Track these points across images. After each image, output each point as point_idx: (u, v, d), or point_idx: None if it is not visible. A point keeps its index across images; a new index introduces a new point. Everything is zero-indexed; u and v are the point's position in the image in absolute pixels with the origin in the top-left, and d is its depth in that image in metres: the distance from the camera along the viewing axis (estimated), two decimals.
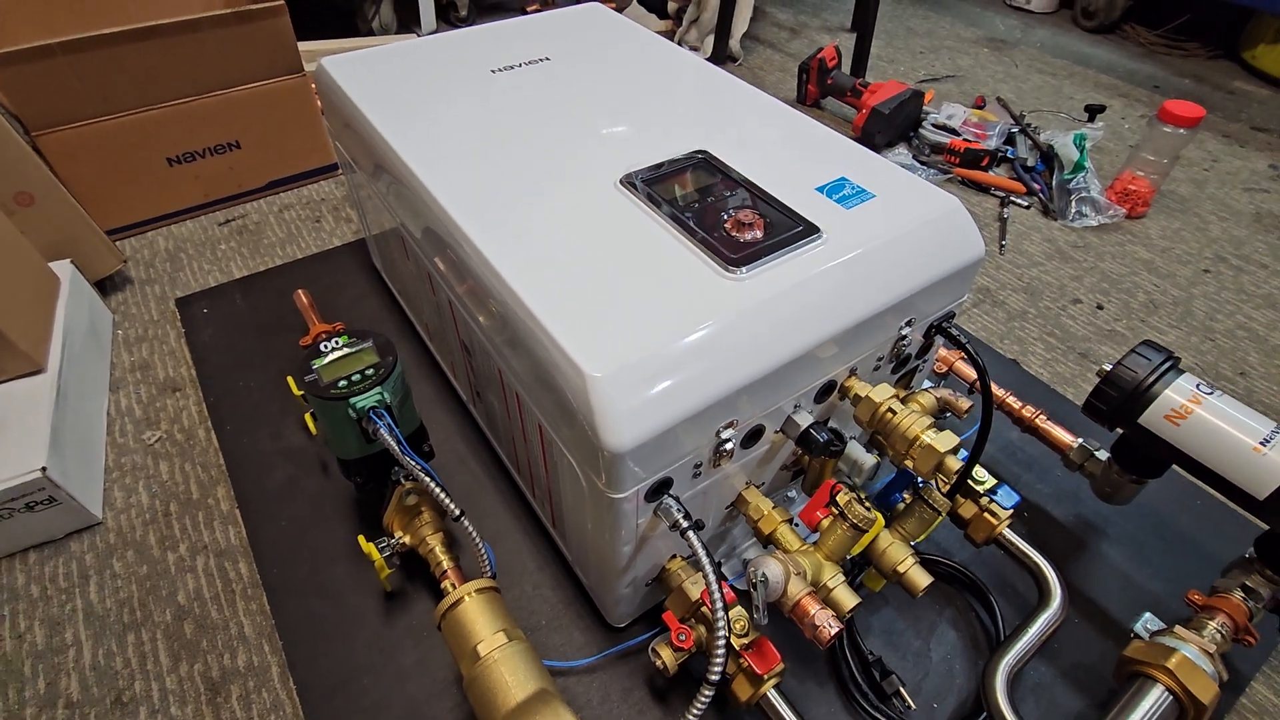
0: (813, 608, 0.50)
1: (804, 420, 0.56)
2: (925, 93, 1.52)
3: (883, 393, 0.57)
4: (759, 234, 0.56)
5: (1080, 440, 0.71)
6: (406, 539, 0.63)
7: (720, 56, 1.71)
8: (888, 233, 0.57)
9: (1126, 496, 0.69)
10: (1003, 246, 1.16)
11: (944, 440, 0.54)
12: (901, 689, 0.61)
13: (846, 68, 1.60)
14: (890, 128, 1.36)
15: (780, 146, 0.68)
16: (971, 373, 0.80)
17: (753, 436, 0.55)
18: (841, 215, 0.59)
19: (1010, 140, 1.38)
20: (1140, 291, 1.08)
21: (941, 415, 0.67)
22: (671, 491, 0.52)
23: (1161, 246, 1.17)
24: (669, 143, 0.67)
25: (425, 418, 0.73)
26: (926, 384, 0.78)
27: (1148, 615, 0.66)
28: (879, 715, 0.60)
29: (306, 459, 0.78)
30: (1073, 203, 1.22)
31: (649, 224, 0.57)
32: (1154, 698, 0.54)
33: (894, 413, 0.56)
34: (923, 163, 1.34)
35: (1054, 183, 1.27)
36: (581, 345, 0.47)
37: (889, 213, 0.59)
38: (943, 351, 0.80)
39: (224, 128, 1.10)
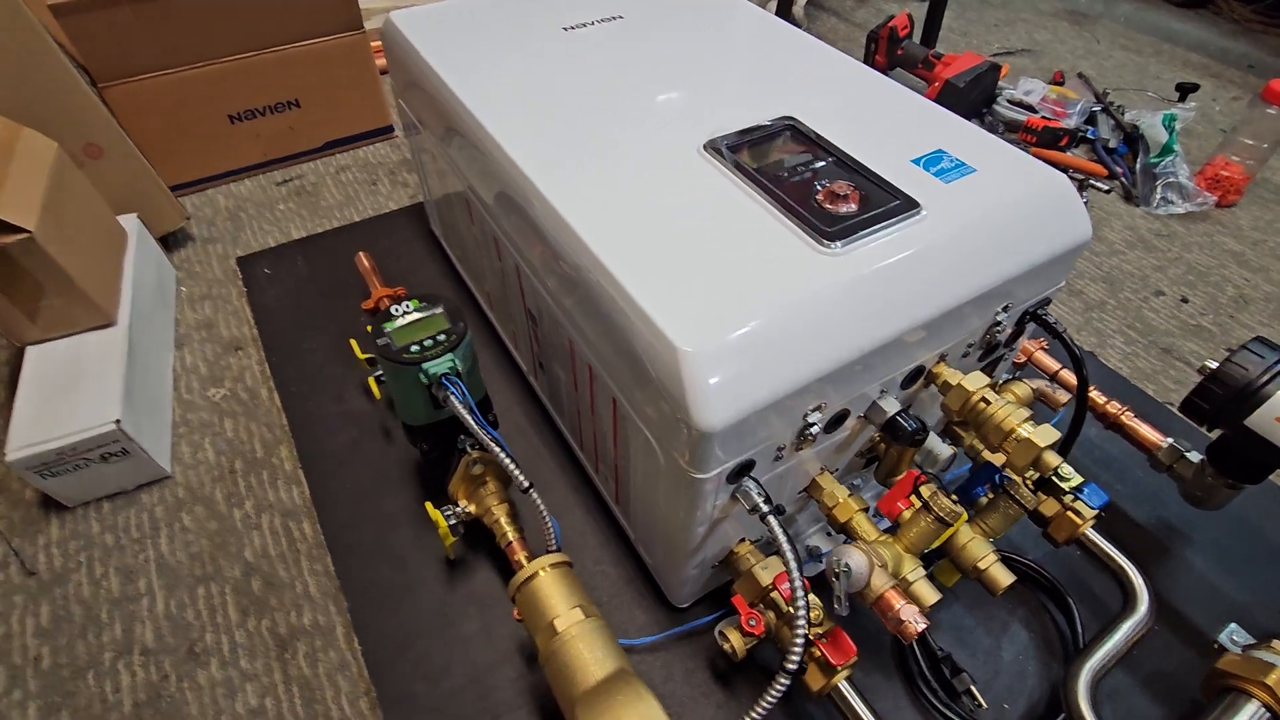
0: (898, 602, 0.48)
1: (891, 407, 0.54)
2: (1001, 66, 1.44)
3: (976, 381, 0.54)
4: (854, 206, 0.53)
5: (1170, 440, 0.67)
6: (471, 508, 0.63)
7: None
8: (990, 210, 0.54)
9: (1219, 502, 0.65)
10: None
11: (1044, 434, 0.51)
12: (972, 687, 0.59)
13: (917, 38, 1.53)
14: (964, 103, 1.30)
15: (872, 114, 0.65)
16: (1052, 364, 0.76)
17: (837, 421, 0.53)
18: (940, 189, 0.55)
19: (1091, 119, 1.31)
20: (1229, 285, 1.02)
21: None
22: (753, 474, 0.50)
23: (1254, 238, 1.10)
24: (753, 108, 0.64)
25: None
26: (1004, 375, 0.74)
27: (1233, 626, 0.62)
28: (949, 712, 0.58)
29: (369, 423, 0.78)
30: (1158, 188, 1.15)
31: (736, 193, 0.55)
32: (1249, 714, 0.51)
33: (987, 403, 0.53)
34: None
35: (1138, 166, 1.20)
36: (672, 318, 0.45)
37: (991, 188, 0.56)
38: (1023, 342, 0.77)
39: (284, 85, 1.09)
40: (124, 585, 0.67)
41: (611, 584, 0.66)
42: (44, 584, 0.68)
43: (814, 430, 0.50)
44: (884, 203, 0.53)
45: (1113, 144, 1.26)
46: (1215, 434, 0.61)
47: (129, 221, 0.90)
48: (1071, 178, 1.21)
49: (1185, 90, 1.26)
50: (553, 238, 0.55)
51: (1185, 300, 1.00)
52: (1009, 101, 1.32)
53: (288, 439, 0.78)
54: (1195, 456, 0.66)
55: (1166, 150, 1.17)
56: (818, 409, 0.49)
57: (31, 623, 0.65)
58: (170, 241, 1.03)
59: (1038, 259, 0.55)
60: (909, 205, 0.53)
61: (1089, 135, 1.28)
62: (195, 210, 1.10)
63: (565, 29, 0.76)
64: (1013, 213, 0.55)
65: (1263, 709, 0.51)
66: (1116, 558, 0.62)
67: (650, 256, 0.50)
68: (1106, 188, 1.19)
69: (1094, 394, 0.73)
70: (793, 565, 0.48)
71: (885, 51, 1.42)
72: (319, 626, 0.64)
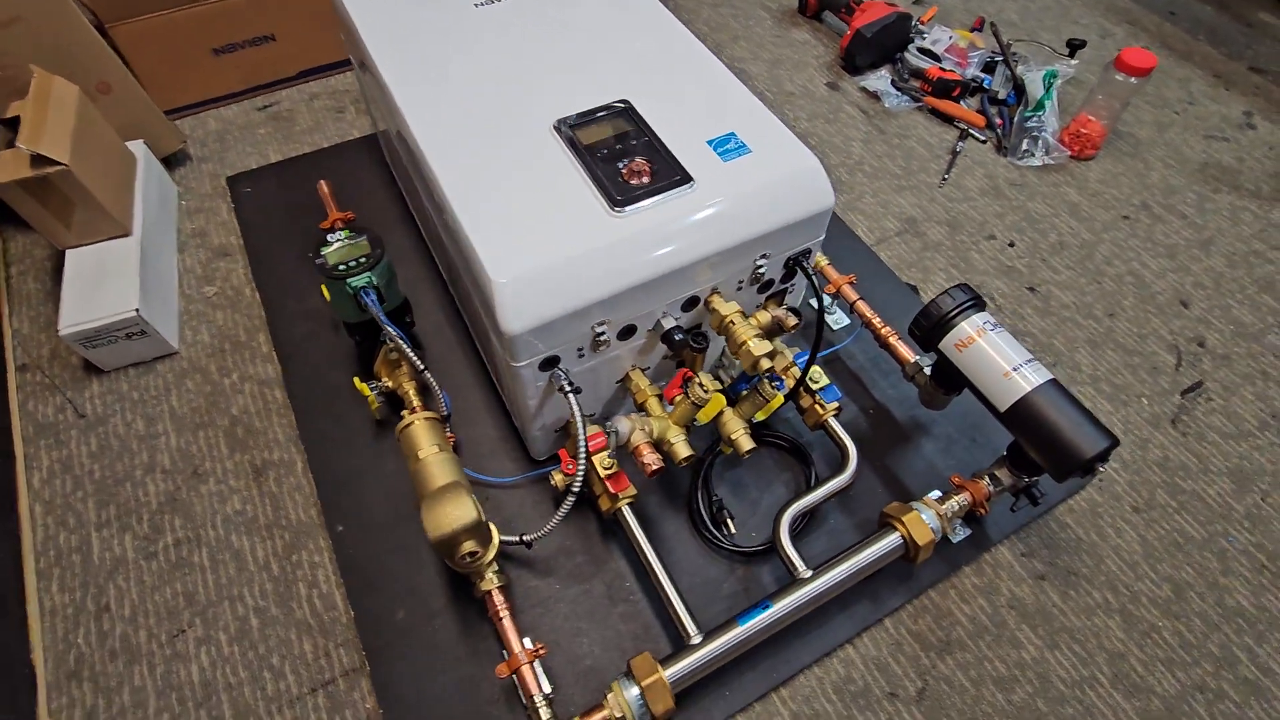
0: (645, 451, 0.73)
1: (669, 324, 0.76)
2: (926, 13, 1.55)
3: (728, 308, 0.76)
4: (645, 180, 0.73)
5: (917, 357, 0.90)
6: (389, 383, 0.87)
7: None
8: (749, 185, 0.74)
9: (940, 405, 0.89)
10: (944, 180, 1.28)
11: (760, 346, 0.73)
12: (729, 521, 0.85)
13: None
14: (873, 50, 1.43)
15: (694, 98, 0.83)
16: (853, 294, 0.98)
17: (627, 332, 0.76)
18: (718, 167, 0.75)
19: (990, 68, 1.44)
20: (1054, 233, 1.20)
21: (777, 329, 0.86)
22: (561, 366, 0.74)
23: (1094, 190, 1.27)
24: (605, 87, 0.82)
25: (415, 294, 0.95)
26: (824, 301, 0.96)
27: (936, 492, 0.87)
28: (709, 534, 0.85)
29: (323, 319, 1.02)
30: (1024, 141, 1.31)
31: (566, 165, 0.75)
32: (889, 539, 0.77)
33: (734, 323, 0.76)
34: (899, 88, 1.42)
35: (1015, 119, 1.35)
36: (494, 257, 0.67)
37: (757, 168, 0.75)
38: (834, 275, 0.98)
39: (259, 22, 1.26)
40: (147, 426, 0.94)
41: (492, 441, 0.92)
42: (91, 423, 0.94)
43: (605, 338, 0.73)
44: (668, 177, 0.73)
45: (1003, 95, 1.40)
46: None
47: (136, 147, 1.10)
48: (955, 126, 1.37)
49: (1074, 47, 1.38)
50: (439, 196, 0.76)
51: (1011, 244, 1.18)
52: (918, 50, 1.44)
53: (264, 328, 1.03)
54: (929, 370, 0.88)
55: (1039, 106, 1.31)
56: (604, 323, 0.72)
57: (85, 449, 0.92)
58: (171, 161, 1.24)
59: (784, 222, 0.75)
60: (684, 179, 0.73)
61: (985, 85, 1.41)
62: (190, 131, 1.29)
63: (476, 5, 0.93)
64: (767, 187, 0.75)
65: (899, 536, 0.77)
66: (843, 437, 0.86)
67: (493, 211, 0.71)
68: (984, 138, 1.35)
69: (875, 318, 0.95)
70: (579, 426, 0.72)
71: None
72: (284, 461, 0.91)
